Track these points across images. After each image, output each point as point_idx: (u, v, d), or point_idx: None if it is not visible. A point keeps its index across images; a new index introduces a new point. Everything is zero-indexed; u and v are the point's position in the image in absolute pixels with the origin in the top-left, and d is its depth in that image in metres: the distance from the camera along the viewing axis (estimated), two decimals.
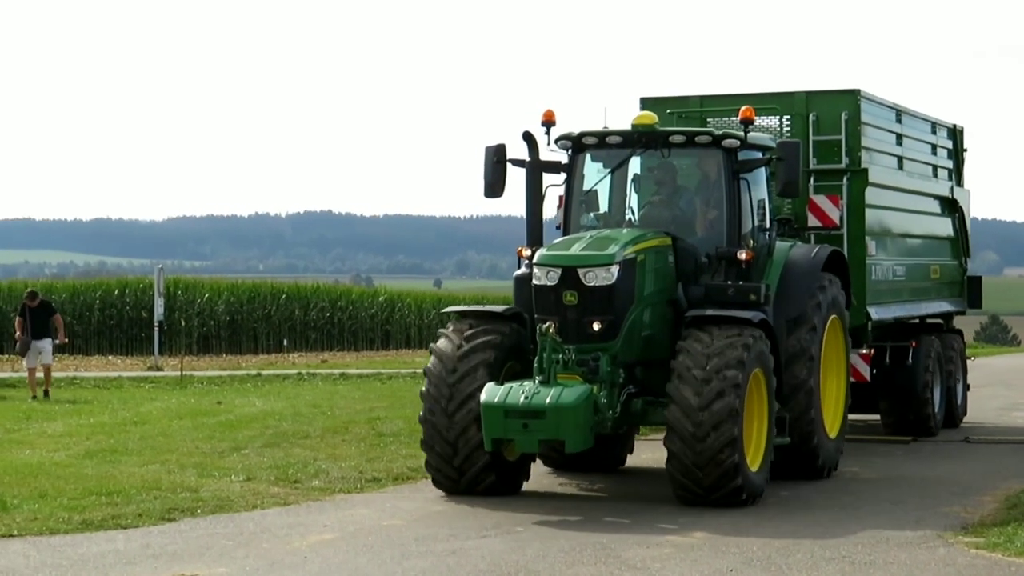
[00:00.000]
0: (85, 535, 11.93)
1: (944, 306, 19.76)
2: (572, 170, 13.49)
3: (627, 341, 11.88)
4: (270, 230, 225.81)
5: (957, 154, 20.44)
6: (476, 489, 11.87)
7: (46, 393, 26.14)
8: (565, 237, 12.81)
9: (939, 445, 17.81)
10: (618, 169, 13.43)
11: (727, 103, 15.57)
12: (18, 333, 28.32)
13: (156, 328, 34.50)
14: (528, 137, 13.10)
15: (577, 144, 13.22)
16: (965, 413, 19.73)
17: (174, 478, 14.74)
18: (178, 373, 32.06)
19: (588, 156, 13.37)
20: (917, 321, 18.48)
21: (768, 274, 13.02)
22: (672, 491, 11.61)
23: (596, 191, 13.58)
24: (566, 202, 13.47)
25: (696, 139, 12.75)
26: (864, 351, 15.87)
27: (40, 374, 27.01)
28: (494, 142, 13.26)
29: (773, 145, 12.94)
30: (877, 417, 18.33)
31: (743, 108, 12.54)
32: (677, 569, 9.27)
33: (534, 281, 12.07)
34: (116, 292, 53.16)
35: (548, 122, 13.22)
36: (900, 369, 17.43)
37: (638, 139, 13.09)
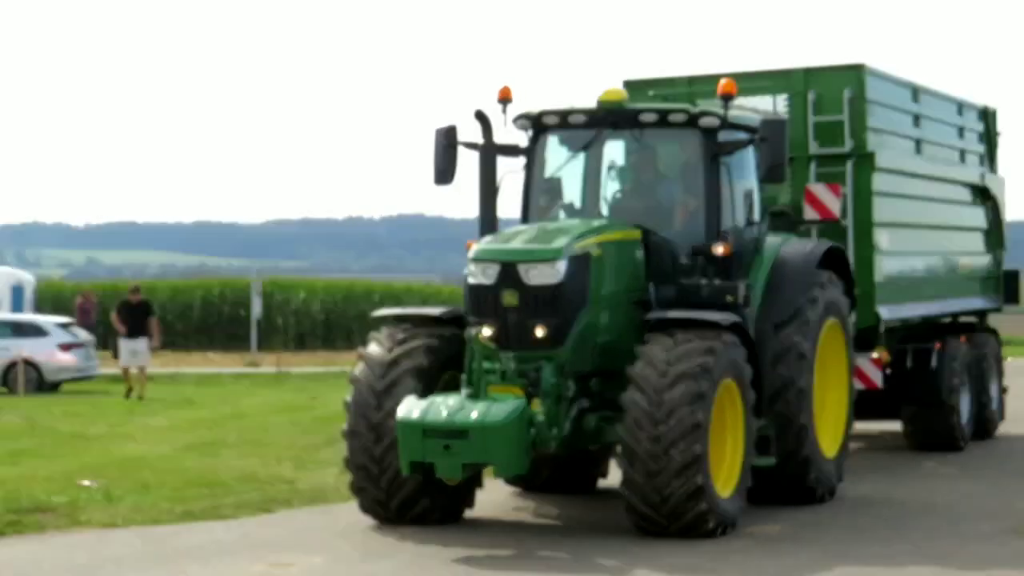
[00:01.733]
0: (186, 525, 12.12)
1: (975, 303, 17.58)
2: (532, 154, 11.76)
3: (577, 349, 10.21)
4: (364, 232, 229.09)
5: (989, 138, 18.17)
6: (407, 515, 10.60)
7: (140, 396, 26.85)
8: (509, 229, 10.96)
9: (971, 460, 16.56)
10: (584, 152, 11.75)
11: (718, 84, 12.66)
12: (122, 327, 28.99)
13: (254, 326, 35.09)
14: (481, 116, 11.44)
15: (537, 124, 11.54)
16: (1002, 419, 17.69)
17: (271, 470, 14.84)
18: (275, 369, 32.72)
19: (550, 138, 11.71)
20: (947, 320, 16.62)
21: (755, 272, 11.50)
22: (629, 520, 9.88)
23: (559, 178, 11.93)
24: (525, 190, 11.75)
25: (669, 117, 11.17)
26: (875, 355, 14.22)
27: (136, 369, 28.06)
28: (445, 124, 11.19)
29: (756, 124, 10.99)
30: (899, 427, 16.26)
31: (723, 81, 10.96)
32: None
33: (469, 279, 10.57)
34: (216, 292, 54.75)
35: (505, 99, 11.49)
36: (923, 373, 15.57)
37: (605, 118, 11.42)
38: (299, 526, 11.43)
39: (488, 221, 11.64)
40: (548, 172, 11.69)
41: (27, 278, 42.21)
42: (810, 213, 13.67)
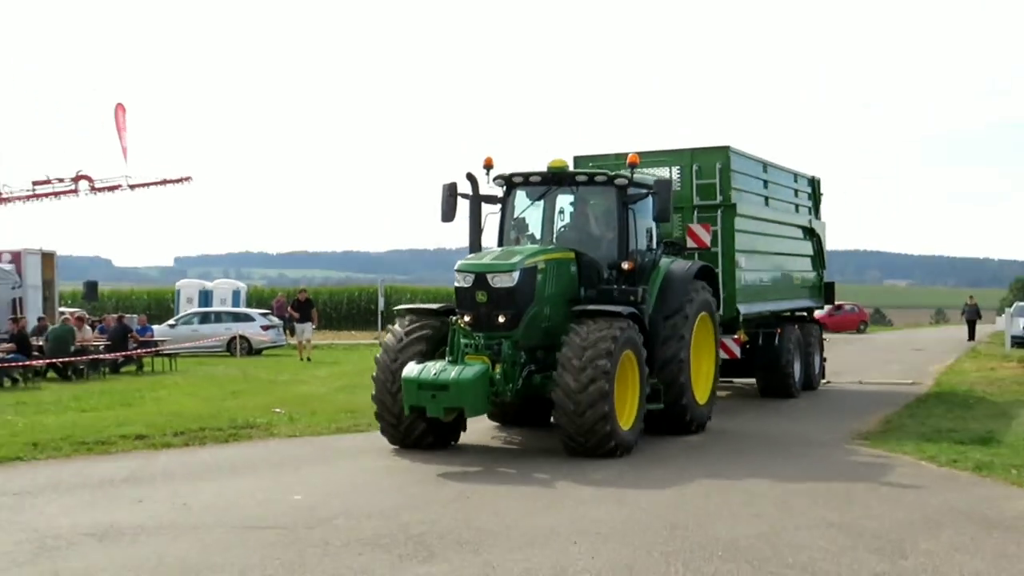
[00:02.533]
0: (338, 436, 14.18)
1: (805, 303, 19.81)
2: (505, 202, 13.22)
3: (527, 331, 11.58)
4: (447, 257, 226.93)
5: (815, 196, 20.52)
6: (418, 446, 11.91)
7: (308, 359, 29.10)
8: (483, 251, 12.70)
9: (811, 400, 18.62)
10: (539, 201, 13.17)
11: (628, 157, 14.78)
12: (296, 315, 31.26)
13: (379, 315, 36.55)
14: (470, 177, 13.06)
15: (509, 182, 13.10)
16: (823, 377, 20.12)
17: None
18: None
19: (518, 192, 13.22)
20: (787, 313, 18.70)
21: (652, 281, 12.97)
22: (561, 443, 11.50)
23: (524, 218, 13.32)
24: (500, 226, 13.26)
25: (595, 178, 12.74)
26: (736, 336, 15.94)
27: (304, 341, 30.26)
28: (448, 180, 13.10)
29: (652, 183, 12.82)
30: (753, 381, 18.65)
31: (630, 155, 12.75)
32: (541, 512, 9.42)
33: (455, 283, 11.91)
34: (356, 294, 63.33)
35: (488, 166, 13.02)
36: (768, 348, 17.42)
37: (553, 178, 12.88)
38: None
39: (475, 246, 13.21)
40: (516, 214, 13.25)
41: (242, 286, 47.86)
42: (691, 244, 15.31)
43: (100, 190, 35.06)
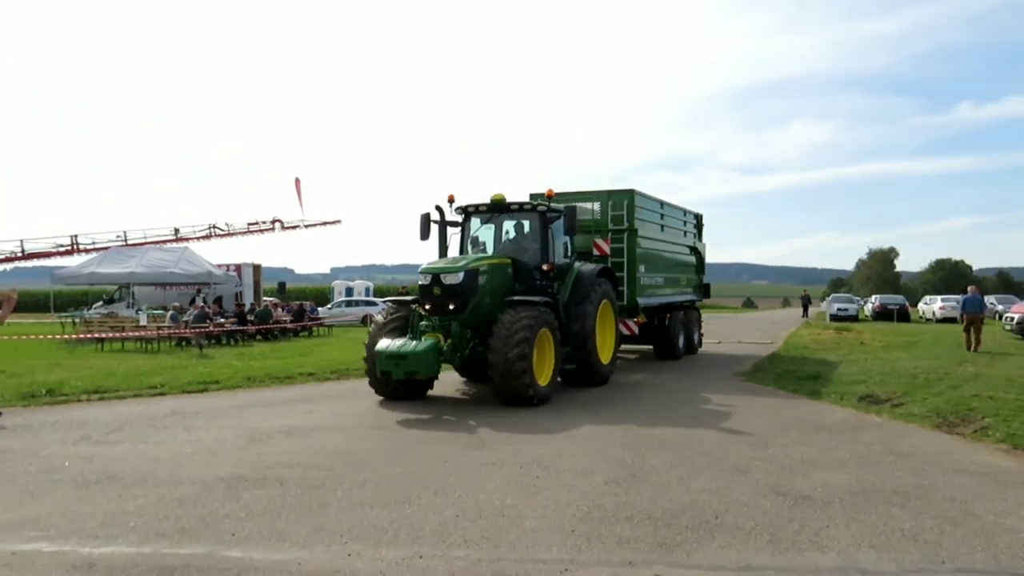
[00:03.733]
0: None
1: (688, 297, 20.89)
2: (463, 225, 14.16)
3: (471, 315, 12.13)
4: None
5: (699, 226, 22.33)
6: (388, 392, 12.34)
7: None
8: (442, 258, 13.47)
9: (689, 363, 19.27)
10: (486, 224, 14.13)
11: (571, 196, 16.58)
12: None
13: None
14: (438, 208, 13.89)
15: (465, 211, 14.07)
16: (700, 346, 21.75)
17: None
18: None
19: (473, 218, 14.15)
20: (677, 303, 19.80)
21: (567, 279, 13.78)
22: (494, 394, 12.11)
23: (478, 236, 14.11)
24: (460, 242, 14.07)
25: (524, 207, 13.70)
26: (636, 319, 17.08)
27: None
28: (424, 210, 13.79)
29: (562, 208, 13.92)
30: (650, 348, 19.90)
31: (548, 189, 13.86)
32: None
33: (419, 281, 12.38)
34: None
35: (450, 200, 13.81)
36: (661, 327, 18.85)
37: (496, 207, 13.81)
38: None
39: (443, 257, 14.13)
40: (472, 234, 14.15)
41: (370, 284, 53.56)
42: (596, 252, 16.39)
43: (287, 228, 43.80)
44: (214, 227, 44.43)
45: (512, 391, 11.67)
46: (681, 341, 19.61)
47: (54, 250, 39.35)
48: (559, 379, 13.11)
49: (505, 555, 5.34)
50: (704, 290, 22.51)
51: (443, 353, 12.07)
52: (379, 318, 13.55)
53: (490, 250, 14.09)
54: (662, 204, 18.94)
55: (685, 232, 20.83)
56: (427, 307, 12.37)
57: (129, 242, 39.39)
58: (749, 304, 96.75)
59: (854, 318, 41.93)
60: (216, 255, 53.52)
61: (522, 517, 6.20)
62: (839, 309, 42.62)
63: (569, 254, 14.41)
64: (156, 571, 5.06)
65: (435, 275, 12.26)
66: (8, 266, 45.20)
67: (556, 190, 16.23)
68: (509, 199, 13.98)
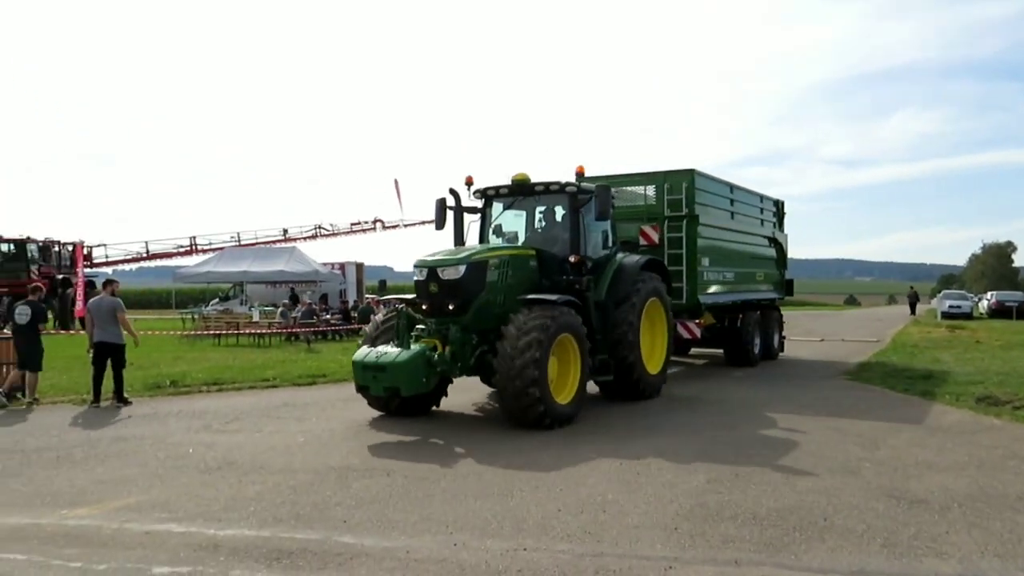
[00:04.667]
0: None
1: (766, 295, 18.38)
2: (483, 211, 12.02)
3: (477, 317, 10.09)
4: None
5: (779, 214, 19.62)
6: (399, 414, 10.48)
7: None
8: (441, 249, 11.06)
9: (769, 368, 16.88)
10: (508, 210, 11.84)
11: (620, 179, 15.00)
12: None
13: None
14: (452, 192, 11.73)
15: (484, 195, 11.89)
16: (782, 350, 19.03)
17: None
18: None
19: (494, 202, 11.92)
20: (755, 302, 17.53)
21: (605, 273, 11.49)
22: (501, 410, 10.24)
23: (501, 224, 11.88)
24: (480, 231, 11.94)
25: (550, 187, 11.34)
26: (699, 321, 14.77)
27: None
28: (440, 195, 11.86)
29: (593, 188, 11.39)
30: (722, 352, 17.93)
31: (578, 166, 11.40)
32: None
33: (414, 277, 10.44)
34: None
35: (468, 183, 11.68)
36: (732, 329, 16.59)
37: (518, 189, 11.51)
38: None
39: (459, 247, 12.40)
40: (493, 219, 11.94)
41: None
42: (642, 241, 14.37)
43: (387, 228, 44.24)
44: (319, 227, 45.94)
45: (519, 410, 9.52)
46: (757, 345, 17.29)
47: (175, 251, 42.31)
48: (600, 391, 11.87)
49: (608, 550, 5.30)
50: (787, 287, 19.86)
51: (436, 363, 9.86)
52: (377, 318, 11.54)
53: (521, 239, 11.90)
54: (732, 188, 16.76)
55: (762, 221, 18.40)
56: (424, 307, 10.36)
57: (242, 243, 41.51)
58: (852, 301, 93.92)
59: (968, 316, 39.92)
60: (321, 254, 54.41)
61: (624, 513, 6.15)
62: (951, 306, 40.63)
63: (610, 244, 12.25)
64: (275, 553, 5.26)
65: (431, 269, 10.25)
66: (134, 266, 49.07)
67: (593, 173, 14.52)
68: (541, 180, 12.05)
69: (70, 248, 32.12)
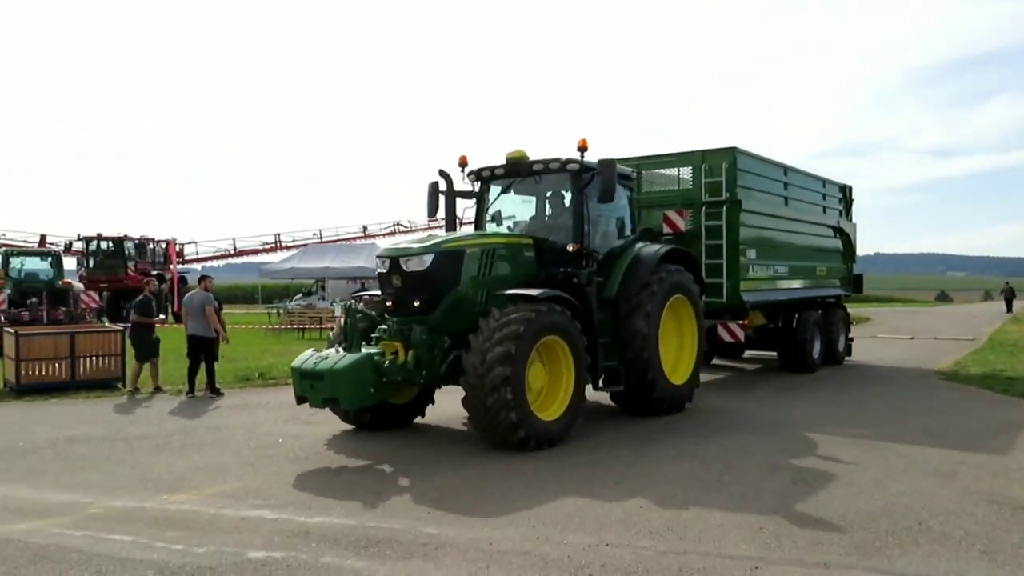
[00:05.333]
0: None
1: (828, 292, 16.29)
2: (480, 196, 10.41)
3: (448, 315, 8.58)
4: None
5: (846, 201, 17.36)
6: (371, 428, 9.18)
7: None
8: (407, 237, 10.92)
9: (833, 376, 14.76)
10: (510, 193, 10.24)
11: (654, 161, 13.45)
12: None
13: None
14: (443, 174, 10.29)
15: (479, 176, 10.30)
16: (848, 354, 16.68)
17: None
18: None
19: (492, 185, 10.33)
20: (819, 299, 15.77)
21: (618, 265, 9.89)
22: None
23: (500, 209, 10.30)
24: (476, 217, 10.43)
25: (549, 166, 9.66)
26: (743, 321, 13.20)
27: None
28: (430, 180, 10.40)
29: (595, 165, 9.73)
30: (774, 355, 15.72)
31: (580, 139, 9.33)
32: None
33: (378, 269, 9.07)
34: None
35: (463, 164, 10.19)
36: (787, 331, 14.74)
37: (514, 169, 9.91)
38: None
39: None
40: (490, 205, 10.32)
41: None
42: (666, 230, 12.74)
43: (465, 224, 43.23)
44: (398, 224, 47.26)
45: (489, 427, 8.06)
46: (816, 348, 15.17)
47: (261, 247, 43.94)
48: (613, 403, 10.40)
49: (691, 548, 5.25)
50: (854, 283, 17.66)
51: (390, 371, 8.44)
52: (335, 327, 10.00)
53: (507, 226, 10.42)
54: (786, 170, 14.81)
55: (824, 208, 16.33)
56: (388, 304, 8.99)
57: (324, 239, 43.12)
58: (943, 297, 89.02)
59: None
60: None
61: (706, 511, 6.07)
62: None
63: (627, 232, 10.70)
64: (363, 542, 5.39)
65: (393, 260, 8.82)
66: (222, 262, 51.10)
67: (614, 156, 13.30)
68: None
69: (163, 245, 33.35)
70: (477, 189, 10.69)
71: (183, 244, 35.93)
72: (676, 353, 10.80)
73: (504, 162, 10.26)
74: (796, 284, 15.15)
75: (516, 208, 10.68)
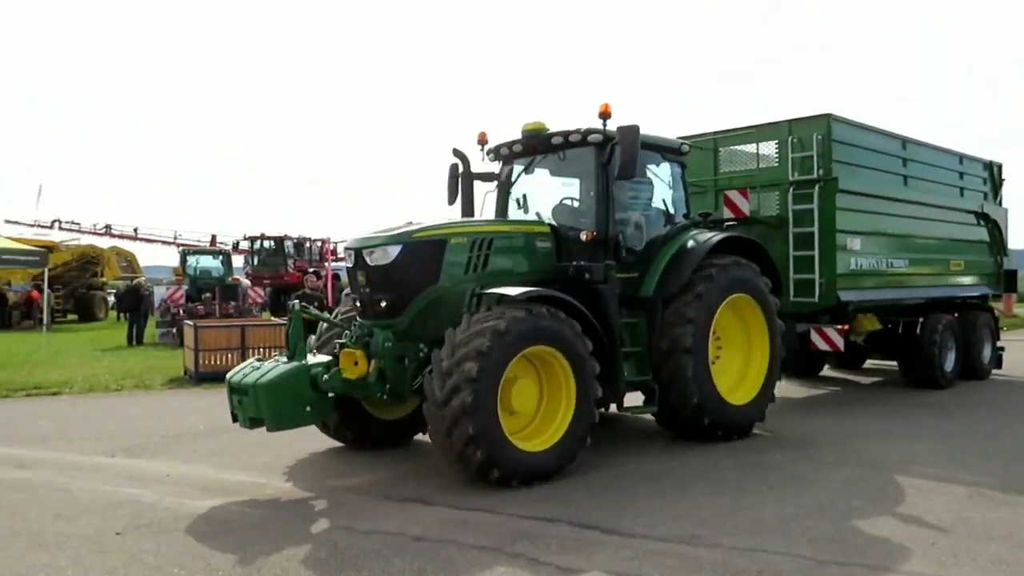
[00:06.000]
0: None
1: (967, 291, 13.62)
2: (501, 177, 8.90)
3: (422, 319, 7.16)
4: None
5: (993, 181, 14.27)
6: (339, 437, 7.98)
7: None
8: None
9: (986, 389, 12.67)
10: (527, 171, 8.62)
11: (728, 136, 11.57)
12: None
13: None
14: (457, 153, 8.91)
15: (498, 154, 8.80)
16: (998, 367, 13.84)
17: None
18: None
19: (514, 164, 8.81)
20: (947, 300, 13.09)
21: (658, 259, 8.17)
22: None
23: (525, 192, 8.72)
24: (497, 203, 8.90)
25: (569, 138, 8.05)
26: (841, 326, 10.83)
27: None
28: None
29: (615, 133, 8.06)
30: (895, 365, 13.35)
31: (602, 104, 7.73)
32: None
33: (345, 264, 7.88)
34: None
35: (482, 141, 8.85)
36: (910, 337, 12.14)
37: (532, 144, 8.38)
38: None
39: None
40: (513, 188, 8.79)
41: None
42: (726, 213, 10.90)
43: None
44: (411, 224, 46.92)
45: (458, 465, 6.56)
46: (949, 359, 12.66)
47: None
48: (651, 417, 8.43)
49: (855, 560, 4.99)
50: (1005, 280, 14.70)
51: (333, 385, 6.96)
52: (312, 336, 8.30)
53: (528, 211, 8.83)
54: (904, 143, 12.34)
55: (962, 190, 13.56)
56: (359, 304, 7.80)
57: None
58: None
59: None
60: None
61: (870, 522, 5.77)
62: None
63: (678, 219, 8.93)
64: (517, 534, 5.42)
65: (357, 252, 7.53)
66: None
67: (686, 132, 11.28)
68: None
69: (319, 244, 35.24)
70: (499, 170, 9.19)
71: (336, 243, 37.97)
72: (742, 364, 8.96)
73: (520, 136, 8.80)
74: (919, 281, 12.60)
75: (544, 190, 8.95)
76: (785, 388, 12.08)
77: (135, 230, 39.51)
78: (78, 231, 37.58)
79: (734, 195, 11.06)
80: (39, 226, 35.57)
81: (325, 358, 7.53)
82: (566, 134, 8.36)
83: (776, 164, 11.27)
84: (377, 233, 7.62)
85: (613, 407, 8.29)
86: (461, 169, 9.26)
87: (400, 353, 7.40)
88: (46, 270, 21.19)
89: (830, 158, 10.79)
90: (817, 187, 10.74)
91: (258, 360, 7.45)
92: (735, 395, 8.74)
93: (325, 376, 7.20)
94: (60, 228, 36.68)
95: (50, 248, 27.51)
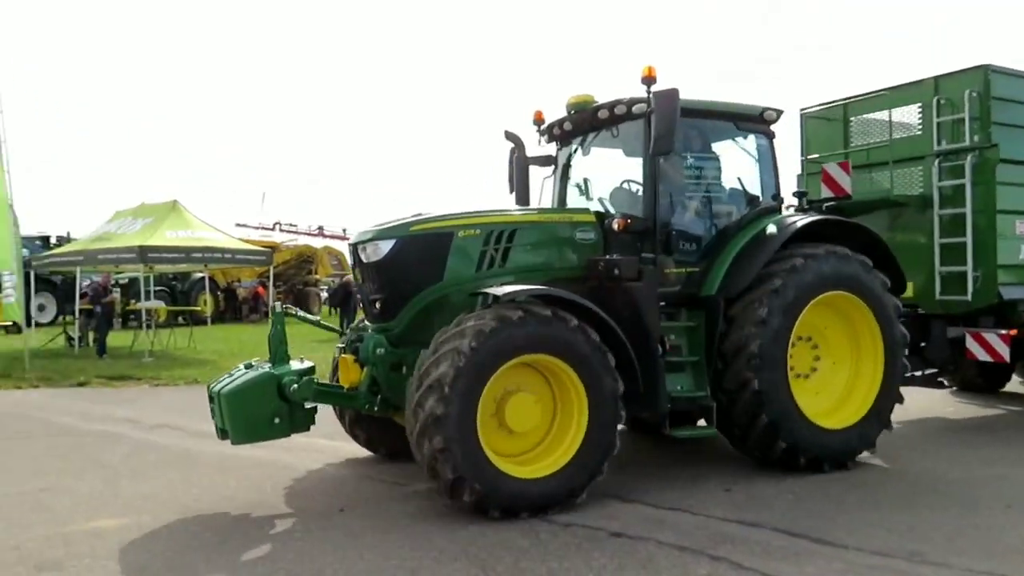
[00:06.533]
0: None
1: None
2: (558, 160, 7.86)
3: (419, 323, 6.26)
4: None
5: None
6: (355, 438, 7.41)
7: None
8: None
9: None
10: (579, 152, 7.63)
11: (868, 103, 9.46)
12: None
13: None
14: (510, 136, 7.93)
15: (551, 135, 7.76)
16: None
17: None
18: None
19: (569, 145, 7.76)
20: None
21: (727, 250, 6.82)
22: None
23: (587, 177, 7.63)
24: (554, 189, 7.81)
25: (615, 110, 6.90)
26: (1006, 331, 8.50)
27: None
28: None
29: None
30: None
31: (646, 67, 6.52)
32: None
33: (350, 259, 7.35)
34: None
35: (538, 121, 7.74)
36: None
37: (580, 120, 7.36)
38: None
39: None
40: (572, 171, 7.73)
41: None
42: (825, 192, 8.73)
43: None
44: None
45: (428, 473, 5.64)
46: None
47: None
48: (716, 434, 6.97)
49: None
50: None
51: (303, 393, 6.15)
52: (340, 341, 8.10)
53: (605, 196, 7.74)
54: None
55: None
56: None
57: None
58: None
59: None
60: None
61: None
62: None
63: (760, 201, 7.41)
64: (718, 537, 5.27)
65: (355, 247, 6.84)
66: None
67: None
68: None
69: None
70: (555, 152, 8.14)
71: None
72: (848, 380, 7.31)
73: (566, 113, 7.79)
74: None
75: (606, 173, 7.75)
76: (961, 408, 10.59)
77: (343, 230, 41.67)
78: (295, 232, 40.26)
79: (834, 169, 8.89)
80: (263, 228, 38.69)
81: (307, 364, 6.70)
82: (611, 106, 7.21)
83: (919, 133, 9.31)
84: (377, 228, 6.76)
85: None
86: (516, 154, 8.35)
87: (396, 360, 6.56)
88: (271, 268, 22.73)
89: (988, 120, 8.68)
90: (970, 157, 8.69)
91: (247, 365, 6.70)
92: (832, 417, 7.15)
93: (294, 386, 6.30)
94: (281, 230, 39.57)
95: (274, 248, 29.53)
